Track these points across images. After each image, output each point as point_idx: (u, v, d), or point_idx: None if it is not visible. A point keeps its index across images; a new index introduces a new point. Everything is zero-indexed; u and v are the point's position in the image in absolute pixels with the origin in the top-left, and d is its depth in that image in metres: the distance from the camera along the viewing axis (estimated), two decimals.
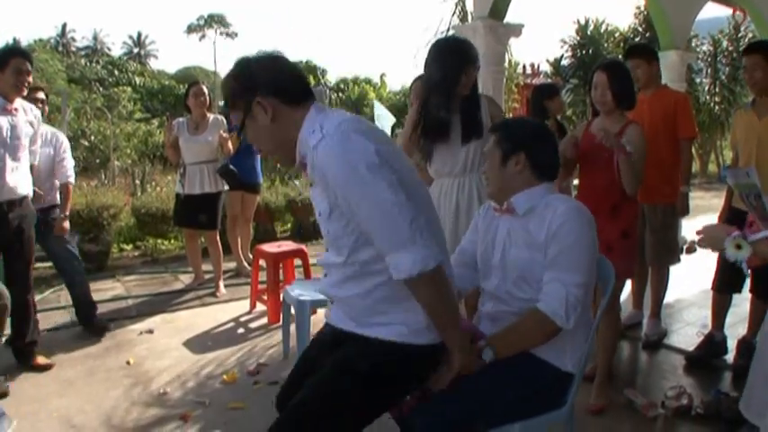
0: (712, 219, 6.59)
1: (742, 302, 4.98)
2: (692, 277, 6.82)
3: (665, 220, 5.05)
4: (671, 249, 5.17)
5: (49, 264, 7.93)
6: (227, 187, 6.76)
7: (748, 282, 4.59)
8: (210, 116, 6.67)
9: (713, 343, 4.79)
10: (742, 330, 4.86)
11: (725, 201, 4.86)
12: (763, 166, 4.26)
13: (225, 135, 6.52)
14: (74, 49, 78.03)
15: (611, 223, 3.86)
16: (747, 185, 2.53)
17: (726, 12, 10.07)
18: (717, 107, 21.19)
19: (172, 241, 8.99)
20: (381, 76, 40.27)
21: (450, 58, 3.96)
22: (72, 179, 5.46)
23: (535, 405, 2.63)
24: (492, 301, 2.83)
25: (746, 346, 4.56)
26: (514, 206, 2.74)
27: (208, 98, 6.69)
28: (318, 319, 5.15)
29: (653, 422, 3.86)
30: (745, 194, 2.55)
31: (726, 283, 4.69)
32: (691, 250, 8.38)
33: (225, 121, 6.76)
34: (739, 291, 4.72)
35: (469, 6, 11.28)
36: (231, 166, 6.49)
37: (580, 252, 2.58)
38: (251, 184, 7.16)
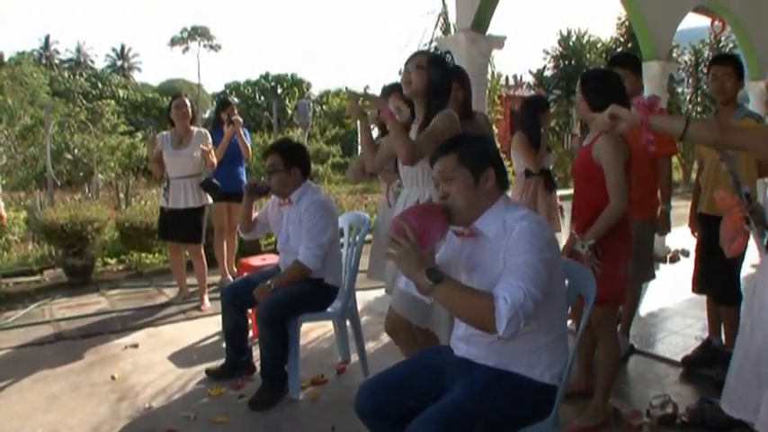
0: None
1: None
2: (675, 286, 6.85)
3: (640, 236, 4.84)
4: (645, 266, 4.98)
5: (34, 278, 7.94)
6: (210, 200, 6.76)
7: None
8: (194, 129, 6.66)
9: (710, 348, 4.83)
10: None
11: (691, 208, 5.01)
12: (722, 177, 4.35)
13: (206, 148, 6.49)
14: (57, 61, 77.73)
15: (597, 244, 3.64)
16: (732, 171, 2.59)
17: (706, 22, 10.15)
18: (698, 117, 21.35)
19: (156, 255, 8.95)
20: (365, 89, 40.40)
21: None
22: None
23: (520, 419, 2.64)
24: (464, 325, 2.74)
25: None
26: (482, 230, 2.62)
27: (191, 111, 6.68)
28: (302, 332, 5.15)
29: (638, 431, 3.87)
30: (733, 180, 2.60)
31: (704, 284, 4.76)
32: (674, 259, 8.45)
33: (208, 134, 6.77)
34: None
35: (452, 19, 11.35)
36: (214, 180, 6.48)
37: (537, 266, 2.40)
38: (236, 193, 7.10)
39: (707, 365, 4.75)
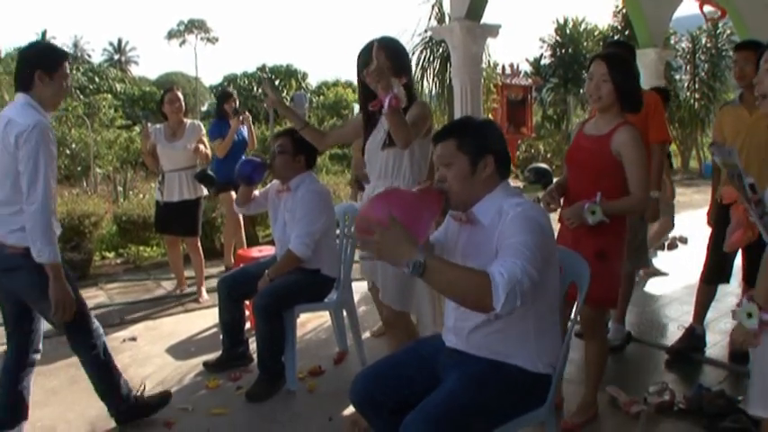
0: (694, 214, 6.65)
1: (723, 297, 5.01)
2: (674, 273, 6.88)
3: (632, 224, 4.86)
4: (638, 253, 4.99)
5: None
6: (206, 192, 6.74)
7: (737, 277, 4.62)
8: (187, 122, 6.66)
9: (694, 336, 4.82)
10: (723, 325, 4.90)
11: (711, 197, 4.89)
12: (753, 159, 4.30)
13: (193, 145, 6.47)
14: None
15: (587, 239, 3.49)
16: (731, 164, 2.58)
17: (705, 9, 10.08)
18: (696, 104, 21.33)
19: (154, 248, 8.96)
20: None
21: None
22: None
23: (516, 409, 2.65)
24: (454, 313, 2.75)
25: None
26: (478, 217, 2.61)
27: (183, 104, 6.66)
28: (299, 323, 5.16)
29: (635, 419, 3.86)
30: (730, 174, 2.59)
31: (715, 274, 4.72)
32: (672, 246, 8.44)
33: (202, 126, 6.75)
34: (727, 281, 4.74)
35: (446, 8, 11.35)
36: (209, 171, 6.46)
37: (532, 247, 2.33)
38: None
39: (691, 354, 4.79)
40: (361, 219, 2.41)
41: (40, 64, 3.56)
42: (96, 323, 3.82)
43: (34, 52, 3.68)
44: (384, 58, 3.56)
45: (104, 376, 3.88)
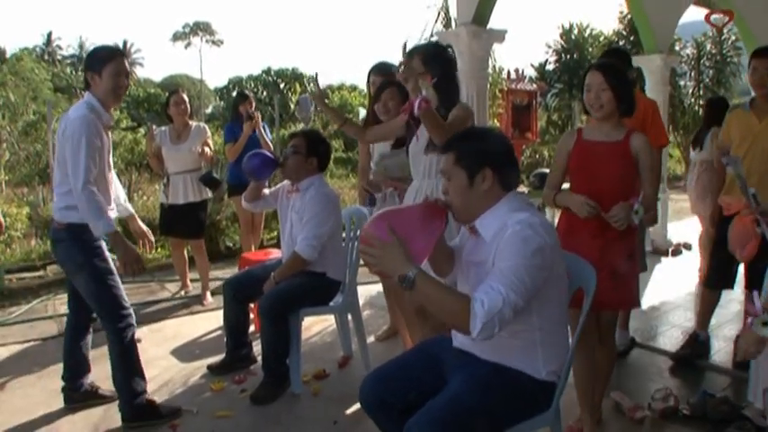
0: (698, 221, 6.63)
1: (727, 304, 5.01)
2: (678, 280, 6.87)
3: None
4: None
5: (37, 273, 7.94)
6: (210, 194, 6.73)
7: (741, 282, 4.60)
8: (192, 124, 6.65)
9: (697, 342, 4.82)
10: (727, 331, 4.89)
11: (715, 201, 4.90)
12: (757, 166, 4.30)
13: (198, 148, 6.49)
14: (59, 57, 77.58)
15: (621, 242, 3.53)
16: (738, 174, 2.61)
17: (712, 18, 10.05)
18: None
19: (159, 250, 8.94)
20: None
21: None
22: None
23: (520, 414, 2.66)
24: None
25: None
26: (480, 231, 2.62)
27: (188, 106, 6.65)
28: (304, 326, 5.16)
29: (639, 424, 3.87)
30: (740, 184, 2.63)
31: (718, 279, 4.71)
32: (676, 252, 8.44)
33: (207, 128, 6.75)
34: (731, 287, 4.73)
35: (453, 12, 11.34)
36: (214, 174, 6.46)
37: (521, 273, 2.37)
38: None
39: (696, 359, 4.79)
40: (365, 235, 2.49)
41: (89, 65, 3.95)
42: (130, 311, 4.18)
43: (87, 55, 4.07)
44: (417, 62, 3.70)
45: (125, 363, 4.12)
